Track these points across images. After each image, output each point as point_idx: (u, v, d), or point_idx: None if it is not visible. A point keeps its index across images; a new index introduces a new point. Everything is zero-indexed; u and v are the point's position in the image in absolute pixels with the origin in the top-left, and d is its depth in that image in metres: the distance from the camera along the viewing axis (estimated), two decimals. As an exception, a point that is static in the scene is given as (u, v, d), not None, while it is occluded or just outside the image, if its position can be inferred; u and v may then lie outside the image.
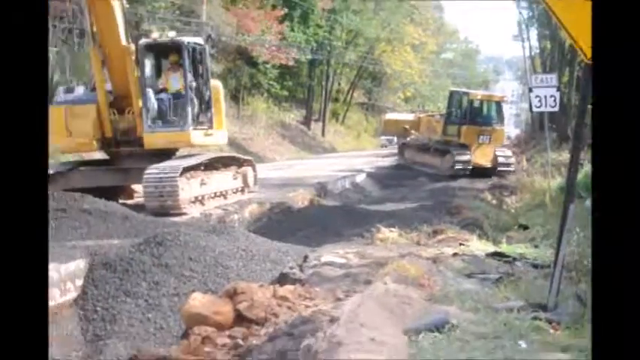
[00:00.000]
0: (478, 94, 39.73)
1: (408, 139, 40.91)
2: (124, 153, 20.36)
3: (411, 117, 43.61)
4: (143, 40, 20.32)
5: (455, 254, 10.05)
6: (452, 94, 39.46)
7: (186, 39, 20.57)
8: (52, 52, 26.25)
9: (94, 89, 20.23)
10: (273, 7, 53.13)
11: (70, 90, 20.80)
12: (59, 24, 37.61)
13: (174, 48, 20.09)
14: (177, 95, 19.89)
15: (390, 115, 49.56)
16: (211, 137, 21.02)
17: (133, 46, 19.64)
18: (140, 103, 19.62)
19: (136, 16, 39.73)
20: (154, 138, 19.51)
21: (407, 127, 40.85)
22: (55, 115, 20.03)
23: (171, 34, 21.01)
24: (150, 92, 19.70)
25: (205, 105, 20.72)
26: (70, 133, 19.75)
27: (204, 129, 20.48)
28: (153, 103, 19.64)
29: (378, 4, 68.32)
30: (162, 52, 20.80)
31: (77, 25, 34.84)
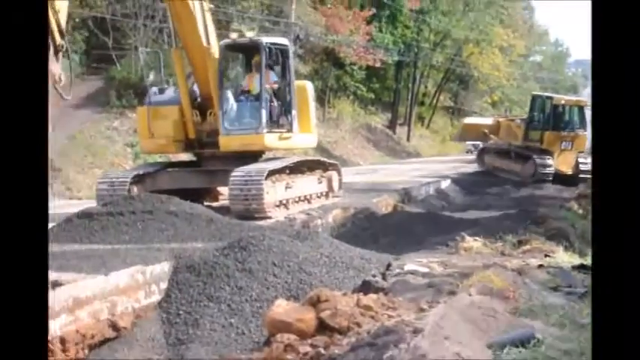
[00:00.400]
0: (562, 98, 39.09)
1: (488, 143, 40.58)
2: (207, 155, 20.54)
3: (490, 121, 42.99)
4: (223, 41, 20.36)
5: (540, 266, 9.92)
6: (534, 98, 39.17)
7: (265, 39, 20.28)
8: (143, 52, 26.57)
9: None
10: (362, 7, 53.10)
11: (162, 91, 20.92)
12: (150, 23, 38.21)
13: (255, 48, 19.98)
14: (258, 97, 19.76)
15: (468, 120, 48.78)
16: (288, 141, 20.66)
17: (214, 47, 19.67)
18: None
19: (226, 15, 40.12)
20: (229, 140, 19.52)
21: (486, 131, 40.40)
22: (140, 115, 20.52)
23: (250, 34, 20.85)
24: (228, 93, 19.77)
25: (287, 107, 20.48)
26: (152, 135, 20.05)
27: (280, 132, 20.17)
28: (231, 104, 19.69)
29: (468, 4, 67.46)
30: (248, 52, 20.86)
31: (168, 25, 35.27)
